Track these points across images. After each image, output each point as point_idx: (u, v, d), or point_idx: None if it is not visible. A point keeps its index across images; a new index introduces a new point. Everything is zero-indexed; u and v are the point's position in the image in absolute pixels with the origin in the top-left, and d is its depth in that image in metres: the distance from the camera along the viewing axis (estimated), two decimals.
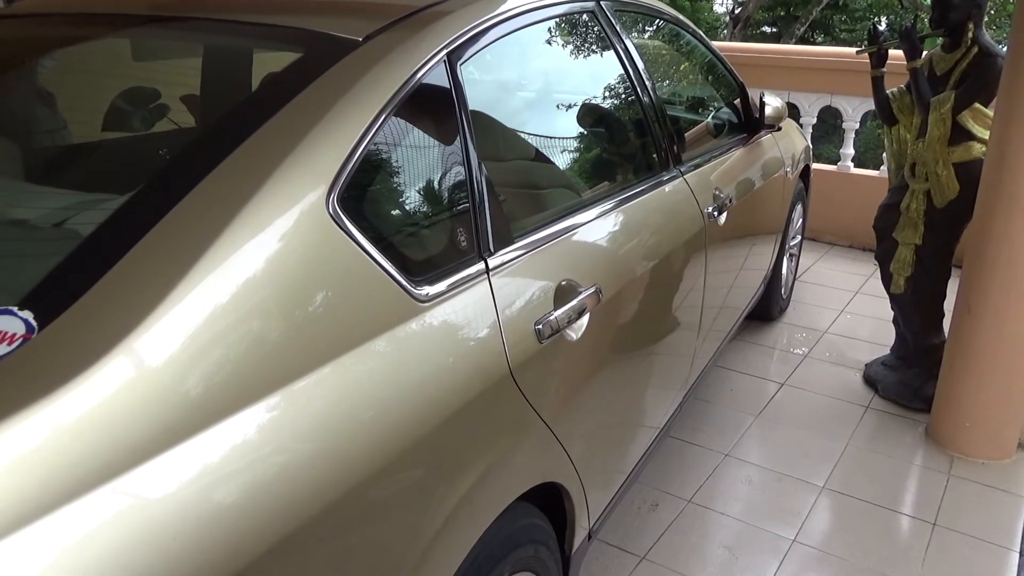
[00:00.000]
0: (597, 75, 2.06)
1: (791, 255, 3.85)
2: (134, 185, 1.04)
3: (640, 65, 2.07)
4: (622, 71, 2.00)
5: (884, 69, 2.99)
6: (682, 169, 2.16)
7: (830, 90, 4.78)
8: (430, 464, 1.10)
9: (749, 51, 5.22)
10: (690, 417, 2.87)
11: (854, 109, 4.72)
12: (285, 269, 0.96)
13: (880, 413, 2.96)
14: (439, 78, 1.31)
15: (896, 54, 2.91)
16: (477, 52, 1.45)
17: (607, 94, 2.08)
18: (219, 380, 0.86)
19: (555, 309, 1.38)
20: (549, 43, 1.85)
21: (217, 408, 0.86)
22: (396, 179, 1.23)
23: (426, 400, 1.10)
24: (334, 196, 1.04)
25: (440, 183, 1.30)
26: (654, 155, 2.07)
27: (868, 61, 3.01)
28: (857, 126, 4.79)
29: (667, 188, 2.04)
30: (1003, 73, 2.46)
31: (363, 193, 1.13)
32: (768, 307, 3.62)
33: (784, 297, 3.79)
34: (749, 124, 2.88)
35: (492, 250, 1.30)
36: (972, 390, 2.63)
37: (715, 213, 2.24)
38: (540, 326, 1.33)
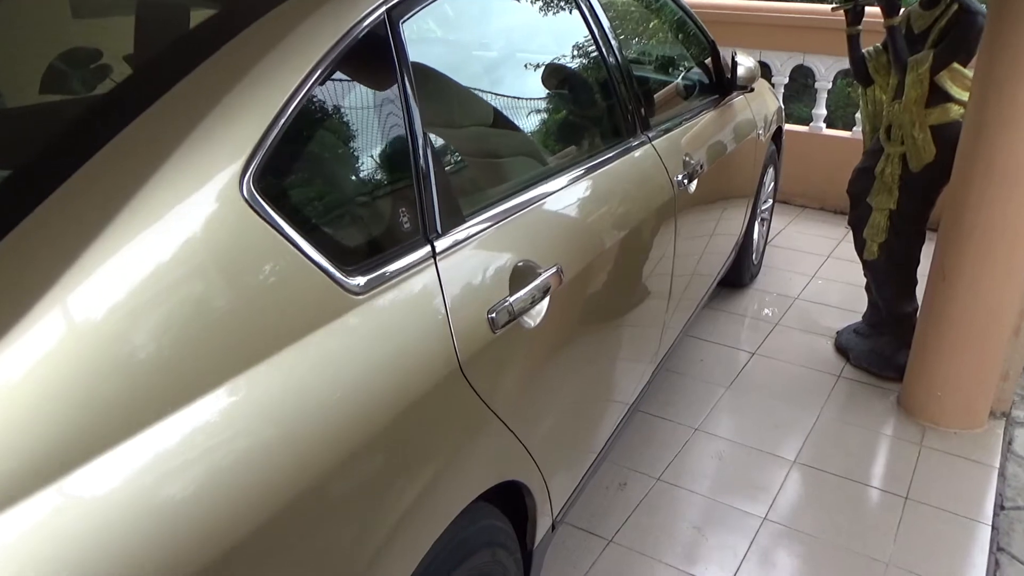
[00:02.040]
0: (559, 35, 1.91)
1: (762, 219, 3.76)
2: (6, 166, 0.89)
3: (606, 24, 1.93)
4: (586, 30, 1.86)
5: (860, 27, 2.87)
6: (650, 135, 2.04)
7: (803, 49, 4.65)
8: (373, 472, 0.99)
9: (719, 7, 5.06)
10: (660, 390, 2.79)
11: (827, 68, 4.61)
12: (187, 265, 0.83)
13: (852, 382, 2.91)
14: (378, 37, 1.17)
15: (873, 11, 2.80)
16: (424, 8, 1.30)
17: (570, 56, 1.94)
18: (112, 396, 0.74)
19: (511, 294, 1.26)
20: (509, 2, 1.70)
21: (112, 429, 0.73)
22: (326, 154, 1.09)
23: (365, 402, 0.98)
24: (250, 176, 0.91)
25: (379, 157, 1.16)
26: (621, 120, 1.94)
27: (843, 18, 2.89)
28: (829, 86, 4.68)
29: (634, 155, 1.91)
30: (983, 32, 2.36)
31: (286, 171, 0.99)
32: (739, 273, 3.54)
33: (755, 263, 3.71)
34: (721, 85, 2.76)
35: (439, 231, 1.18)
36: (945, 359, 2.58)
37: (685, 181, 2.13)
38: (494, 314, 1.21)
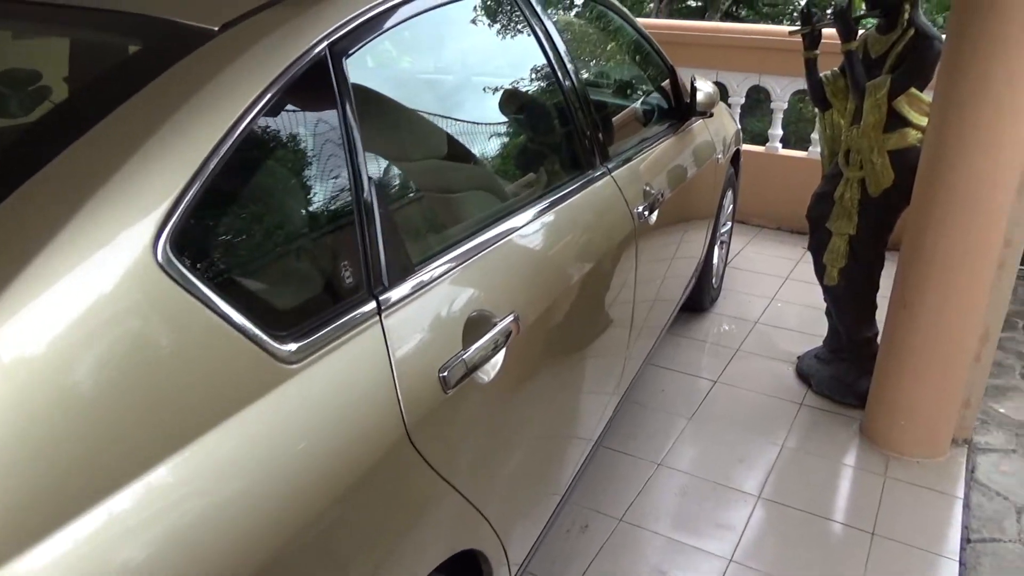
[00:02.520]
0: (513, 63, 1.83)
1: (722, 242, 3.73)
2: None
3: (562, 49, 1.85)
4: (542, 58, 1.78)
5: (817, 51, 2.86)
6: (610, 165, 1.97)
7: (759, 69, 4.66)
8: (315, 556, 0.89)
9: (676, 28, 5.06)
10: (622, 423, 2.72)
11: (782, 89, 4.63)
12: (91, 345, 0.72)
13: (814, 410, 2.87)
14: (318, 77, 1.07)
15: (830, 34, 2.78)
16: (369, 42, 1.21)
17: (525, 85, 1.86)
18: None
19: (465, 348, 1.17)
20: (459, 29, 1.62)
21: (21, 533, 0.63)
22: (256, 207, 0.99)
23: (301, 484, 0.88)
24: (166, 238, 0.80)
25: (317, 207, 1.06)
26: (579, 151, 1.87)
27: (801, 41, 2.87)
28: (785, 106, 4.70)
29: (594, 188, 1.84)
30: (942, 57, 2.35)
31: (208, 230, 0.89)
32: (699, 298, 3.50)
33: (716, 287, 3.68)
34: (680, 109, 2.72)
35: (386, 283, 1.08)
36: (907, 388, 2.55)
37: (646, 212, 2.06)
38: (446, 372, 1.12)
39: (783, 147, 4.77)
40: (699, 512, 2.31)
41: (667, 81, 2.74)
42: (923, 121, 2.56)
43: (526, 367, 1.41)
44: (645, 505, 2.33)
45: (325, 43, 1.09)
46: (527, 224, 1.50)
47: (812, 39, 2.83)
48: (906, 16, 2.53)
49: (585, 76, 2.23)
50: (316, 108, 1.08)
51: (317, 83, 1.07)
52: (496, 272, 1.36)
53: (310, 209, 1.05)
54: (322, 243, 1.05)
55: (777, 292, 3.90)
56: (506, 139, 1.81)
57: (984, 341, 2.57)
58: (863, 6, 2.68)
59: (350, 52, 1.14)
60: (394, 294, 1.08)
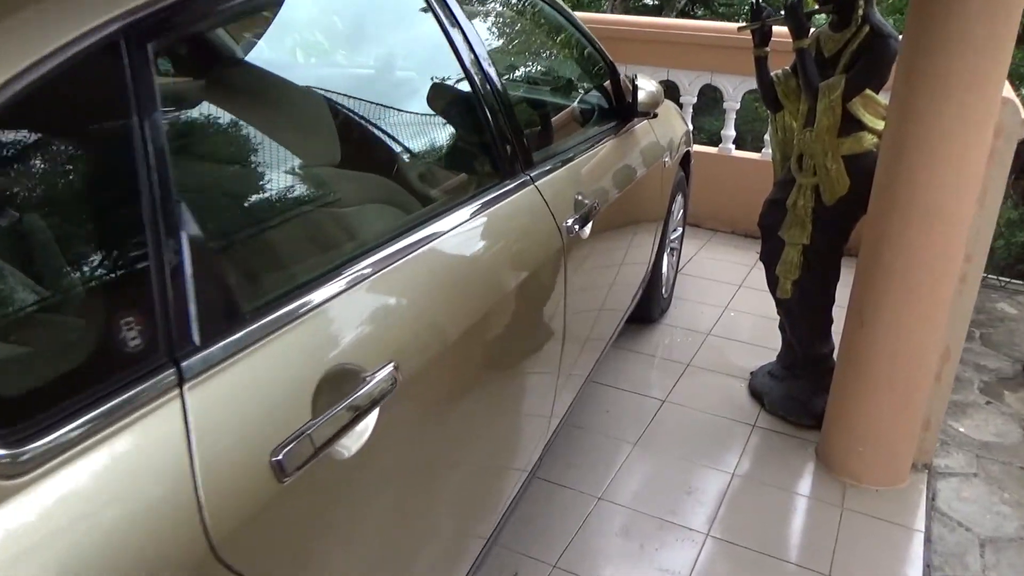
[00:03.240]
0: (408, 56, 1.59)
1: (672, 249, 3.53)
2: None
3: (474, 42, 1.61)
4: (447, 50, 1.53)
5: (768, 48, 2.66)
6: (533, 173, 1.74)
7: (711, 68, 4.48)
8: None
9: (626, 24, 4.85)
10: (562, 450, 2.50)
11: (735, 88, 4.45)
12: None
13: (767, 432, 2.68)
14: (105, 73, 0.82)
15: (781, 31, 2.59)
16: (195, 25, 0.96)
17: (426, 84, 1.61)
18: None
19: (313, 419, 0.92)
20: (336, 15, 1.36)
21: None
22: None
23: None
24: None
25: (91, 241, 0.81)
26: (493, 160, 1.63)
27: (751, 38, 2.67)
28: (738, 106, 4.52)
29: (511, 202, 1.60)
30: (899, 57, 2.16)
31: None
32: (648, 308, 3.30)
33: (665, 296, 3.47)
34: (621, 110, 2.50)
35: (197, 342, 0.83)
36: (865, 411, 2.37)
37: (577, 226, 1.84)
38: (282, 455, 0.87)
39: (736, 148, 4.59)
40: (641, 555, 2.09)
41: (609, 81, 2.52)
42: (879, 124, 2.38)
43: (413, 426, 1.17)
44: (582, 548, 2.11)
45: (120, 25, 0.83)
46: (416, 250, 1.24)
47: (762, 35, 2.63)
48: (860, 13, 2.34)
49: (506, 73, 1.99)
50: (99, 119, 0.82)
51: (101, 84, 0.81)
52: (369, 313, 1.11)
53: (78, 243, 0.79)
54: (97, 289, 0.79)
55: (730, 301, 3.71)
56: (394, 146, 1.56)
57: (945, 359, 2.41)
58: (815, 3, 2.49)
59: (161, 38, 0.88)
60: (210, 354, 0.83)
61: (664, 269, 3.34)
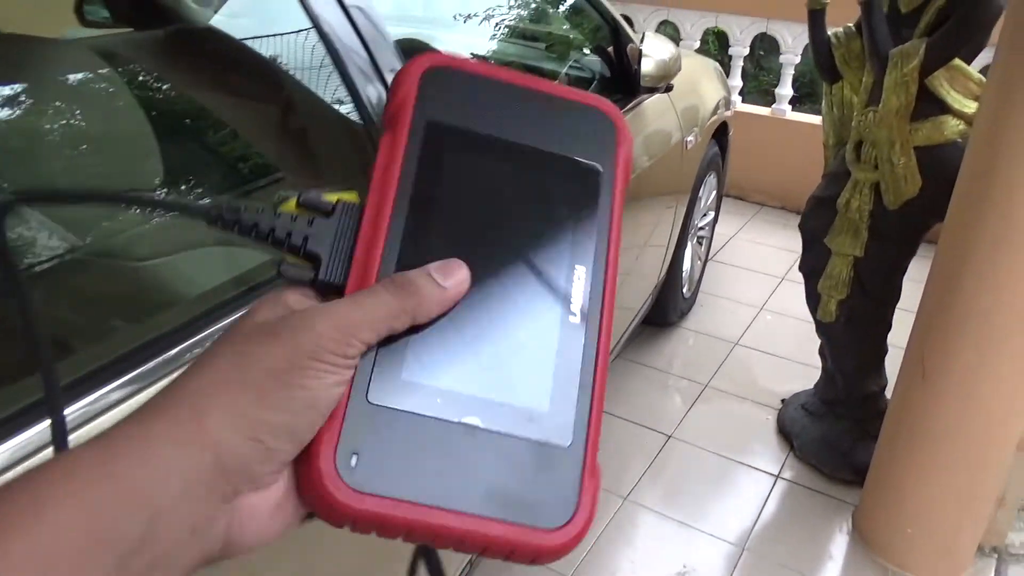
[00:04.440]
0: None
1: (700, 239, 2.97)
2: None
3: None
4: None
5: None
6: None
7: (767, 13, 3.79)
8: None
9: None
10: None
11: (794, 39, 3.76)
12: None
13: (793, 487, 2.15)
14: None
15: None
16: None
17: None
18: None
19: None
20: None
21: None
22: None
23: None
24: None
25: None
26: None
27: None
28: (797, 60, 3.85)
29: None
30: (1006, 14, 1.55)
31: None
32: (663, 311, 2.76)
33: (687, 295, 2.91)
34: (627, 81, 1.93)
35: None
36: (920, 482, 1.83)
37: None
38: None
39: (792, 109, 3.93)
40: None
41: (611, 44, 1.94)
42: (970, 108, 1.77)
43: None
44: None
45: None
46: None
47: None
48: None
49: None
50: None
51: None
52: None
53: None
54: None
55: (768, 299, 3.14)
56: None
57: None
58: None
59: None
60: None
61: (686, 264, 2.79)
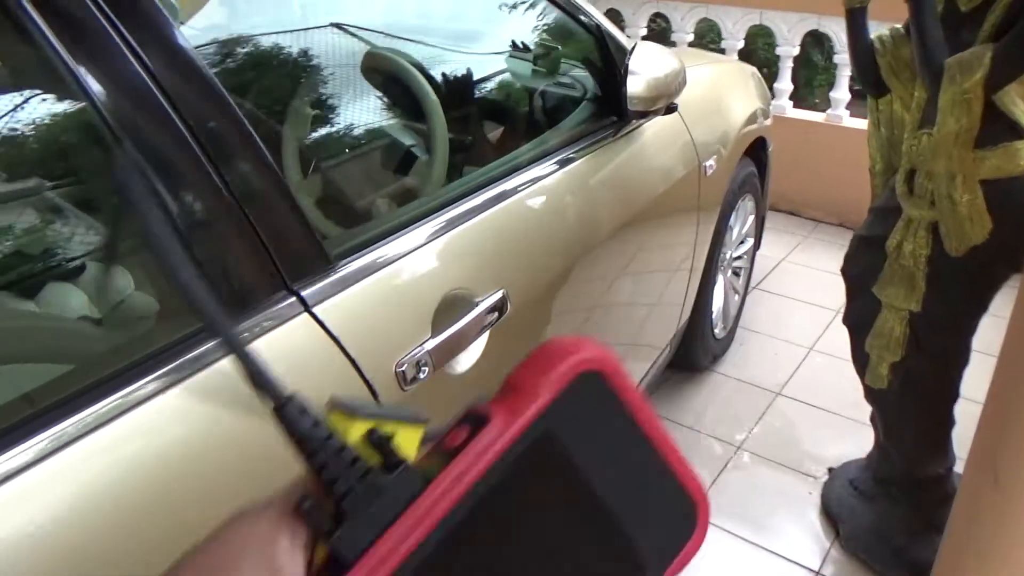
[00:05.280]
0: None
1: (736, 271, 2.60)
2: None
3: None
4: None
5: None
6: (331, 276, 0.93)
7: (816, 8, 3.37)
8: None
9: None
10: None
11: None
12: None
13: None
14: None
15: None
16: None
17: None
18: None
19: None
20: None
21: None
22: None
23: None
24: None
25: None
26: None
27: None
28: None
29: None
30: None
31: None
32: (691, 355, 2.40)
33: (718, 338, 2.54)
34: (619, 102, 1.60)
35: None
36: None
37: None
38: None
39: (851, 115, 3.49)
40: None
41: (598, 52, 1.61)
42: None
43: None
44: None
45: None
46: None
47: None
48: None
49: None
50: None
51: None
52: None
53: None
54: None
55: (820, 336, 2.73)
56: None
57: None
58: None
59: None
60: None
61: (717, 302, 2.42)
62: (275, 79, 1.68)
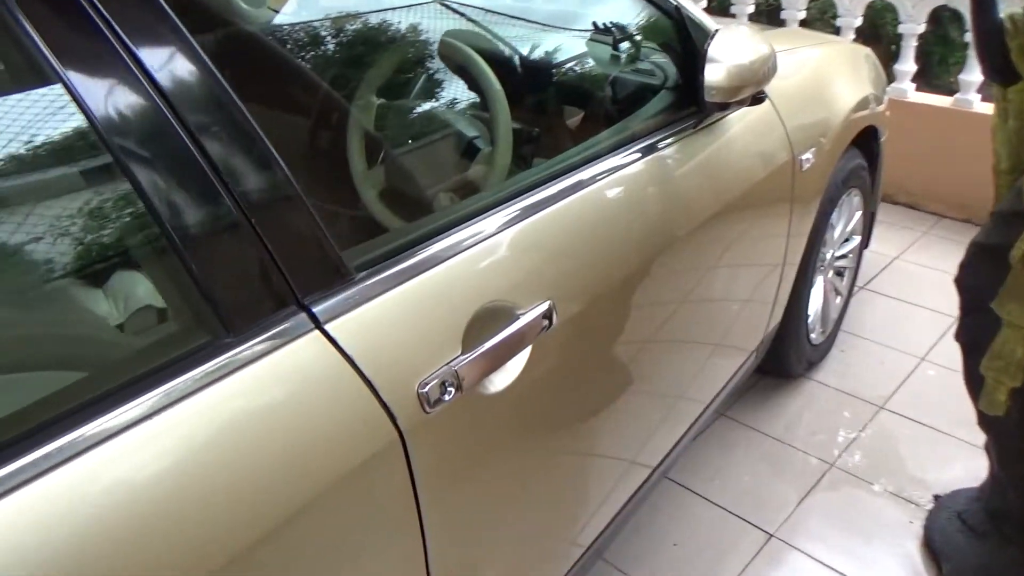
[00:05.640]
0: None
1: (839, 271, 2.39)
2: None
3: None
4: None
5: None
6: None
7: None
8: None
9: None
10: None
11: None
12: None
13: None
14: None
15: None
16: None
17: None
18: None
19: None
20: None
21: None
22: None
23: None
24: None
25: None
26: None
27: None
28: None
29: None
30: None
31: None
32: (783, 361, 2.22)
33: (815, 343, 2.34)
34: (694, 93, 1.46)
35: None
36: None
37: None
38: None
39: (981, 99, 3.15)
40: None
41: (676, 37, 1.48)
42: None
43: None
44: None
45: None
46: None
47: None
48: None
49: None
50: None
51: None
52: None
53: None
54: None
55: (934, 346, 2.48)
56: None
57: None
58: None
59: None
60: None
61: (815, 305, 2.24)
62: (344, 66, 1.64)
